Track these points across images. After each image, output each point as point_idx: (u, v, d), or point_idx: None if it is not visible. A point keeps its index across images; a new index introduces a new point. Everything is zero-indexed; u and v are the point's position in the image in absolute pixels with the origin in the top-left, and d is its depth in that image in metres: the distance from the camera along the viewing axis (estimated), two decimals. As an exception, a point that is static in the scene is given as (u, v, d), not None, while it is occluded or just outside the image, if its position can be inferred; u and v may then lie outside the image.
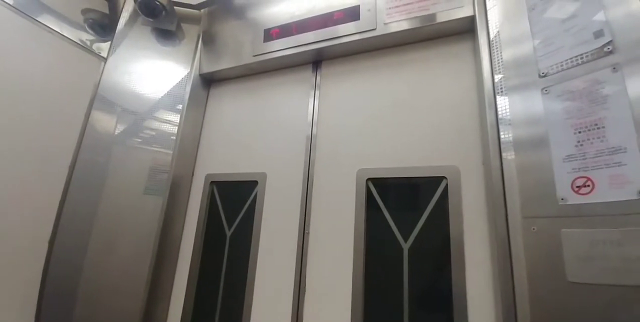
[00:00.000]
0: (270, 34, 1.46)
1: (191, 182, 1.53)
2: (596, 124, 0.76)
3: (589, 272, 0.70)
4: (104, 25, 1.50)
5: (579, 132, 0.78)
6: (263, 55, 1.45)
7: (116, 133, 1.42)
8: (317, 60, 1.44)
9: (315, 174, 1.28)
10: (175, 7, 1.60)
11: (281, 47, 1.41)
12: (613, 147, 0.72)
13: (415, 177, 1.13)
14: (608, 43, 0.77)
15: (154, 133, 1.47)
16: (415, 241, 1.07)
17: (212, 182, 1.48)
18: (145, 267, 1.30)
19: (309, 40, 1.36)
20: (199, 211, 1.45)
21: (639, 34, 0.73)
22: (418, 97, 1.21)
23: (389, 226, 1.11)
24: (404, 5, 1.23)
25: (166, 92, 1.53)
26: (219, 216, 1.42)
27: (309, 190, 1.26)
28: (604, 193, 0.72)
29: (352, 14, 1.30)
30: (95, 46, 1.47)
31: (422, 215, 1.08)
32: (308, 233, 1.21)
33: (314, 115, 1.36)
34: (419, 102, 1.20)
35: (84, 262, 1.25)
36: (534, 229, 0.81)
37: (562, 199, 0.78)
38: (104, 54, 1.49)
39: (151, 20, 1.55)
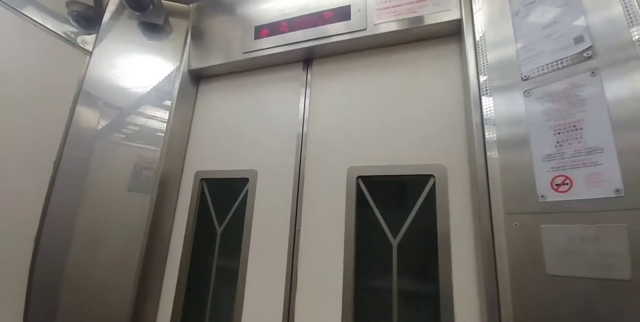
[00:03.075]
0: (261, 32, 1.45)
1: (180, 179, 1.52)
2: (574, 126, 0.80)
3: (567, 266, 0.75)
4: (88, 18, 1.46)
5: (558, 133, 0.83)
6: (253, 53, 1.45)
7: (100, 129, 1.39)
8: (307, 59, 1.45)
9: (306, 172, 1.29)
10: (163, 1, 1.58)
11: (272, 45, 1.41)
12: (590, 148, 0.77)
13: (404, 175, 1.16)
14: (588, 49, 0.81)
15: (139, 129, 1.45)
16: (404, 237, 1.10)
17: (202, 179, 1.47)
18: (134, 266, 1.29)
19: (300, 38, 1.36)
20: (189, 209, 1.45)
21: (618, 40, 0.77)
22: (407, 96, 1.24)
23: (379, 223, 1.14)
24: (393, 6, 1.25)
25: (153, 87, 1.51)
26: (210, 213, 1.42)
27: (300, 187, 1.28)
28: (582, 191, 0.76)
29: (342, 13, 1.32)
30: (80, 39, 1.43)
31: (410, 212, 1.12)
32: (299, 230, 1.23)
33: (305, 113, 1.37)
34: (408, 102, 1.23)
35: (70, 260, 1.23)
36: (516, 224, 0.85)
37: (542, 196, 0.83)
38: (89, 48, 1.45)
39: (138, 13, 1.52)
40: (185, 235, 1.41)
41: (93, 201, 1.31)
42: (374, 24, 1.26)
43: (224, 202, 1.41)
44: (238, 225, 1.34)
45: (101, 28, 1.49)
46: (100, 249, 1.28)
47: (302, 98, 1.40)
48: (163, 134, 1.45)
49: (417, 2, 1.22)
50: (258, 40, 1.45)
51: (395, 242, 1.11)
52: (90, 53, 1.45)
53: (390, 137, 1.21)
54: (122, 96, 1.46)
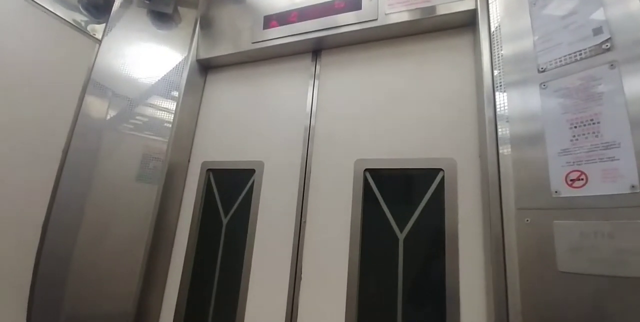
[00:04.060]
0: (270, 21, 1.43)
1: (187, 169, 1.52)
2: (591, 120, 0.78)
3: (579, 263, 0.73)
4: (98, 6, 1.45)
5: (575, 127, 0.80)
6: (262, 43, 1.43)
7: (108, 119, 1.39)
8: (317, 49, 1.43)
9: (313, 164, 1.28)
10: (172, -10, 1.56)
11: (281, 35, 1.40)
12: (607, 142, 0.74)
13: (412, 168, 1.14)
14: (607, 40, 0.78)
15: (147, 120, 1.45)
16: (410, 231, 1.09)
17: (208, 169, 1.47)
18: (140, 256, 1.30)
19: (310, 28, 1.34)
20: (195, 199, 1.45)
21: (638, 33, 0.74)
22: (417, 89, 1.21)
23: (386, 217, 1.13)
24: (406, -4, 1.22)
25: (161, 77, 1.51)
26: (215, 204, 1.42)
27: (307, 179, 1.27)
28: (597, 187, 0.74)
29: (353, 3, 1.29)
30: (89, 27, 1.43)
31: (418, 206, 1.10)
32: (305, 222, 1.22)
33: (313, 105, 1.36)
34: (418, 94, 1.20)
35: (76, 250, 1.24)
36: (527, 220, 0.83)
37: (555, 192, 0.80)
38: (99, 36, 1.45)
39: (147, 2, 1.51)
40: (191, 226, 1.42)
41: (101, 191, 1.32)
42: (385, 14, 1.23)
43: (230, 193, 1.41)
44: (244, 216, 1.33)
45: (111, 16, 1.49)
46: (107, 239, 1.29)
47: (311, 89, 1.38)
48: (170, 125, 1.45)
49: (430, -9, 1.18)
50: (267, 30, 1.43)
51: (402, 236, 1.10)
52: (99, 41, 1.44)
53: (400, 130, 1.19)
54: (131, 86, 1.45)
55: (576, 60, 0.83)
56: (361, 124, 1.25)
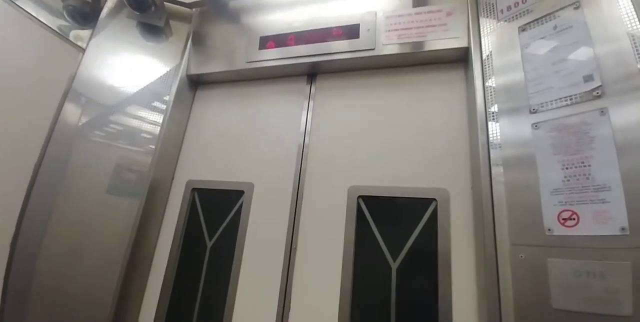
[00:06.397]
0: (266, 42, 1.43)
1: (170, 187, 1.44)
2: (582, 162, 0.82)
3: (572, 301, 0.75)
4: (84, 14, 1.39)
5: (567, 168, 0.85)
6: (257, 63, 1.42)
7: (81, 125, 1.34)
8: (312, 73, 1.43)
9: (305, 188, 1.26)
10: (165, 3, 1.53)
11: (276, 57, 1.39)
12: (598, 185, 0.78)
13: (405, 197, 1.15)
14: (597, 88, 0.84)
15: (123, 129, 1.40)
16: (403, 261, 1.09)
17: (193, 188, 1.41)
18: (114, 278, 1.21)
19: (306, 53, 1.35)
20: (178, 219, 1.37)
21: (628, 81, 0.80)
22: (410, 118, 1.24)
23: (379, 245, 1.12)
24: (403, 29, 1.26)
25: (148, 90, 1.46)
26: (200, 226, 1.36)
27: (298, 204, 1.24)
28: (589, 227, 0.78)
29: (351, 31, 1.32)
30: (74, 36, 1.36)
31: (411, 235, 1.10)
32: (295, 248, 1.19)
33: (307, 128, 1.35)
34: (411, 124, 1.23)
35: (46, 268, 1.13)
36: (521, 256, 0.86)
37: (549, 229, 0.84)
38: (83, 45, 1.37)
39: (138, 13, 1.47)
40: (172, 247, 1.34)
41: (71, 204, 1.24)
42: (382, 45, 1.26)
43: (217, 214, 1.35)
44: (230, 240, 1.28)
45: (97, 25, 1.43)
46: (81, 258, 1.20)
47: (305, 112, 1.38)
48: (152, 137, 1.39)
49: (426, 26, 1.23)
50: (263, 50, 1.42)
51: (395, 265, 1.09)
52: (83, 50, 1.37)
53: (393, 157, 1.20)
54: (111, 95, 1.40)
55: (567, 105, 0.88)
56: (356, 149, 1.26)
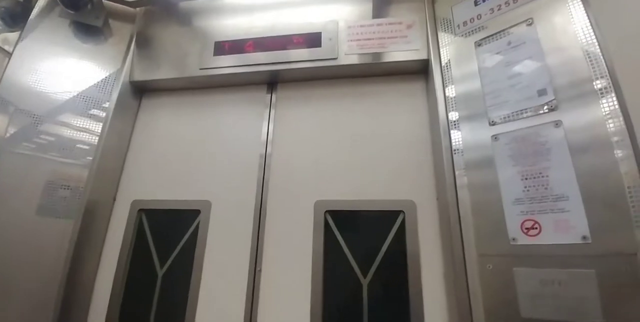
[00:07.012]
0: (222, 48, 1.34)
1: (112, 207, 1.27)
2: (540, 173, 0.86)
3: (541, 310, 0.77)
4: (15, 15, 1.21)
5: (526, 179, 0.88)
6: (212, 70, 1.32)
7: (8, 137, 1.17)
8: (273, 82, 1.37)
9: (268, 204, 1.18)
10: (104, 1, 1.37)
11: (234, 64, 1.31)
12: (556, 195, 0.82)
13: (373, 210, 1.13)
14: (550, 101, 0.88)
15: (54, 139, 1.23)
16: (373, 277, 1.06)
17: (140, 209, 1.25)
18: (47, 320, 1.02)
19: (266, 60, 1.29)
20: (122, 245, 1.21)
21: (581, 97, 0.84)
22: (375, 129, 1.23)
23: (348, 262, 1.08)
24: (365, 39, 1.26)
25: (84, 96, 1.30)
26: (149, 252, 1.20)
27: (262, 222, 1.16)
28: (550, 236, 0.81)
29: (313, 40, 1.28)
30: (1, 39, 1.17)
31: (380, 250, 1.08)
32: (260, 270, 1.10)
33: (268, 139, 1.28)
34: (376, 135, 1.22)
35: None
36: (489, 266, 0.87)
37: (513, 239, 0.86)
38: (9, 49, 1.18)
39: (72, 12, 1.29)
40: (114, 279, 1.17)
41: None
42: (345, 54, 1.25)
43: (169, 238, 1.21)
44: (185, 266, 1.15)
45: (26, 26, 1.24)
46: (5, 298, 1.03)
47: (266, 122, 1.30)
48: (90, 148, 1.22)
49: (388, 38, 1.24)
50: (218, 56, 1.33)
51: (365, 282, 1.06)
52: (10, 54, 1.18)
53: (359, 169, 1.18)
54: (42, 103, 1.24)
55: (523, 118, 0.92)
56: (320, 161, 1.21)
